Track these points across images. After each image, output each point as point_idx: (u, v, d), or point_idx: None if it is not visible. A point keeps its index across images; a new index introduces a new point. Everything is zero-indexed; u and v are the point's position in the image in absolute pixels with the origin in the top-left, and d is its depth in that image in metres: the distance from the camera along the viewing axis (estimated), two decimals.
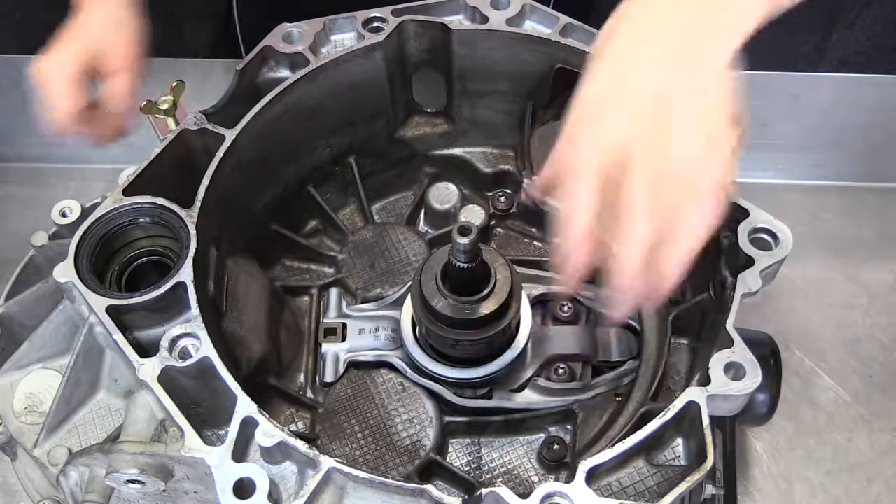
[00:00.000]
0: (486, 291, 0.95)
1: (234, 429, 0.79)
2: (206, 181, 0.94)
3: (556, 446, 1.00)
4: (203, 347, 0.83)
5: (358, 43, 1.05)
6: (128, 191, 0.94)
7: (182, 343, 0.84)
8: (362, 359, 1.06)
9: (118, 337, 0.84)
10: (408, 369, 1.04)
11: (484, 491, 0.76)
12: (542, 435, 1.02)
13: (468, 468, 1.01)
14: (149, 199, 0.93)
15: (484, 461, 1.01)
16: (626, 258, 0.75)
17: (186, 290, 0.86)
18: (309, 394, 1.06)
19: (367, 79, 1.08)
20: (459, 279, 0.95)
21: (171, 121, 1.27)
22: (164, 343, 0.83)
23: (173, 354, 0.83)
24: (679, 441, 0.85)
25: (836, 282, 1.51)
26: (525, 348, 1.03)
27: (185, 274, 0.87)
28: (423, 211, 1.22)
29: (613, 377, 1.05)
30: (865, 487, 1.32)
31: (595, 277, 0.82)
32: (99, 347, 0.93)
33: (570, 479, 0.76)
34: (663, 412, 0.79)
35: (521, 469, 1.01)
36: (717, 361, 0.81)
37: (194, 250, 0.89)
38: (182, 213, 0.92)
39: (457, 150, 1.21)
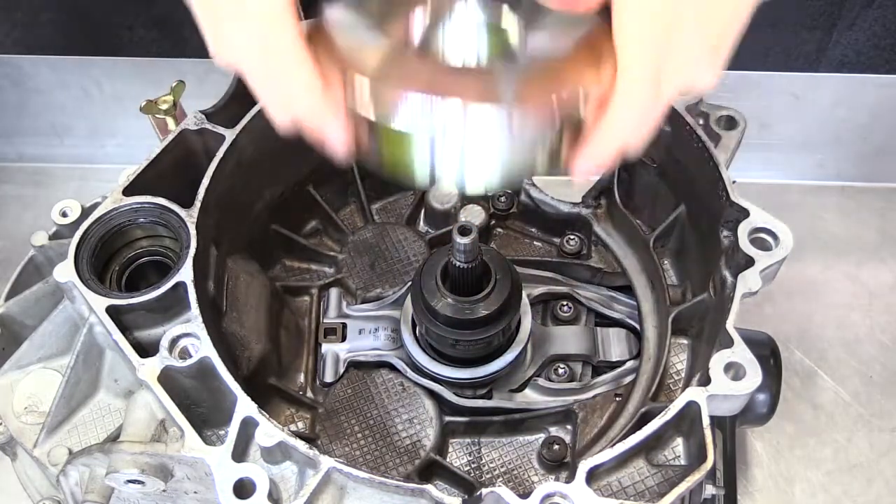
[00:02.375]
0: (486, 291, 0.95)
1: (234, 429, 0.79)
2: (206, 181, 0.94)
3: (556, 446, 1.00)
4: (203, 347, 0.83)
5: None
6: (128, 191, 0.94)
7: (182, 343, 0.84)
8: (362, 359, 1.06)
9: (118, 337, 0.84)
10: (408, 369, 1.04)
11: (484, 491, 0.76)
12: (542, 435, 1.02)
13: (468, 468, 1.01)
14: (149, 199, 0.93)
15: (484, 461, 1.01)
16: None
17: (186, 290, 0.86)
18: (309, 394, 1.06)
19: None
20: (459, 279, 0.95)
21: (171, 121, 1.27)
22: (164, 343, 0.83)
23: (173, 354, 0.83)
24: (679, 441, 0.85)
25: (836, 282, 1.52)
26: (525, 348, 1.03)
27: (185, 274, 0.87)
28: (423, 211, 1.22)
29: (613, 377, 1.05)
30: (865, 487, 1.32)
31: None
32: (99, 347, 0.93)
33: (570, 479, 0.76)
34: (663, 412, 0.79)
35: (521, 469, 1.01)
36: (717, 361, 0.81)
37: (194, 250, 0.89)
38: (182, 213, 0.92)
39: None
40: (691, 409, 0.80)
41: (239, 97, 1.03)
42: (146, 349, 0.86)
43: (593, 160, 0.77)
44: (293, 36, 0.74)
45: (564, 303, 1.11)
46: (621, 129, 0.75)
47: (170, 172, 0.97)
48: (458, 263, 0.93)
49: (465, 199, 1.21)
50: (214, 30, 0.78)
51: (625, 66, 0.72)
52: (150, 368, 0.82)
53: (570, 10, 0.73)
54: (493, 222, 1.19)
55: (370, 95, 0.74)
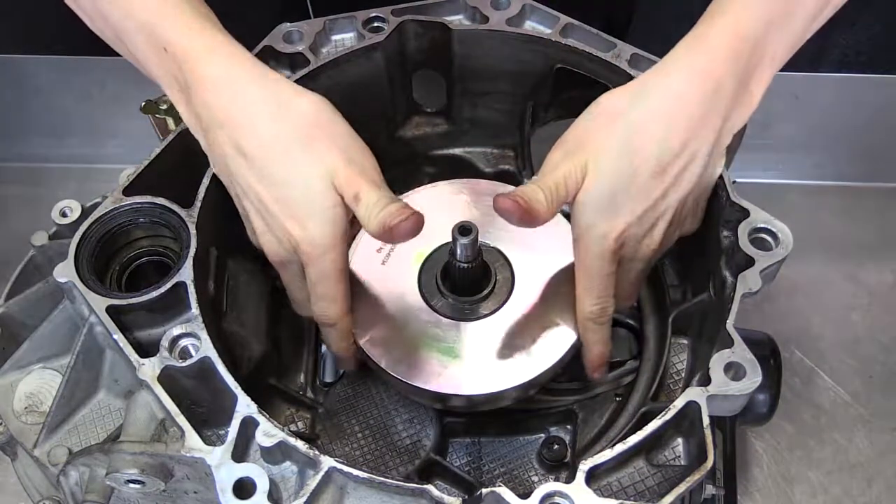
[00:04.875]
0: (486, 291, 0.95)
1: (234, 429, 0.79)
2: (206, 181, 0.94)
3: (556, 446, 1.00)
4: (203, 347, 0.83)
5: (358, 43, 1.05)
6: (128, 191, 0.94)
7: (182, 343, 0.84)
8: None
9: (118, 337, 0.84)
10: None
11: (484, 491, 0.76)
12: (542, 435, 1.02)
13: (468, 468, 1.01)
14: (149, 199, 0.93)
15: (484, 461, 1.01)
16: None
17: (186, 290, 0.86)
18: (309, 394, 1.06)
19: (367, 79, 1.08)
20: (459, 279, 0.95)
21: (170, 121, 1.27)
22: (164, 343, 0.83)
23: (173, 354, 0.83)
24: (679, 441, 0.84)
25: (836, 282, 1.52)
26: None
27: (185, 274, 0.87)
28: None
29: (613, 377, 1.05)
30: (865, 487, 1.32)
31: None
32: (99, 347, 0.93)
33: (570, 479, 0.76)
34: (663, 412, 0.79)
35: (521, 469, 1.01)
36: (717, 361, 0.81)
37: (194, 250, 0.89)
38: (182, 213, 0.92)
39: (457, 150, 1.21)
40: (691, 409, 0.80)
41: None
42: (146, 349, 0.86)
43: (600, 370, 0.95)
44: (334, 269, 0.85)
45: None
46: (599, 343, 0.92)
47: (170, 172, 0.97)
48: (458, 263, 0.92)
49: None
50: (264, 233, 0.87)
51: (580, 307, 0.89)
52: (150, 368, 0.82)
53: (529, 226, 0.82)
54: None
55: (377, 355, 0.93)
